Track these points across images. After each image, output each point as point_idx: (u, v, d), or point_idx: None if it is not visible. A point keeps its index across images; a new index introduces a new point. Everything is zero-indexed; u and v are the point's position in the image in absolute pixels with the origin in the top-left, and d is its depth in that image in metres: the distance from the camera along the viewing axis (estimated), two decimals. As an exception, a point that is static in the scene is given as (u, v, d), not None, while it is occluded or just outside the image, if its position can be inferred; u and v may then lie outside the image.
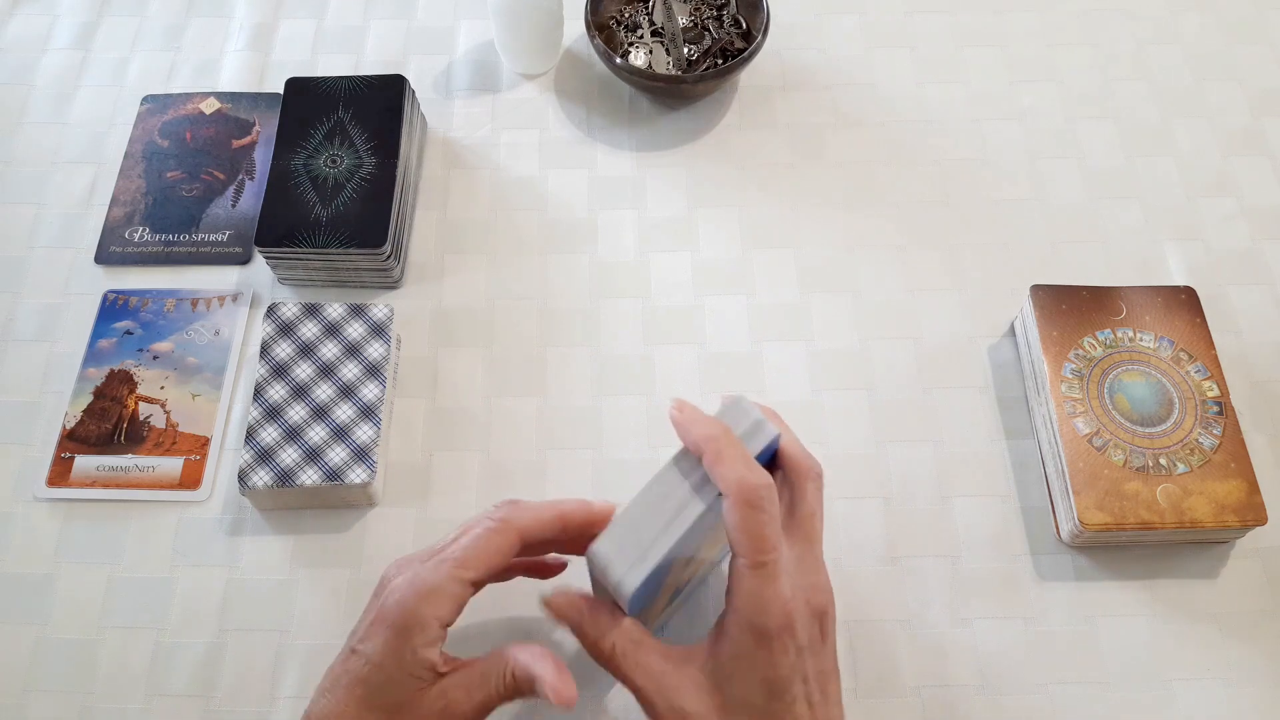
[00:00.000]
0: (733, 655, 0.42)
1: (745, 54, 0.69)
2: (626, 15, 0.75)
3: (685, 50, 0.73)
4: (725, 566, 0.46)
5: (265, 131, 0.72)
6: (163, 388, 0.62)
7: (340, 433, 0.57)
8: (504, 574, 0.50)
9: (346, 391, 0.59)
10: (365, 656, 0.43)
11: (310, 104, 0.68)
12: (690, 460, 0.44)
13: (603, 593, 0.45)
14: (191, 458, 0.60)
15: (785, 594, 0.41)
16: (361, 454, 0.57)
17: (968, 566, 0.57)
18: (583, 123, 0.73)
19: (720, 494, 0.42)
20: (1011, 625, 0.56)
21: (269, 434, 0.57)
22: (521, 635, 0.54)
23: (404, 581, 0.44)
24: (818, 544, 0.45)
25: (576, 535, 0.47)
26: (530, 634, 0.54)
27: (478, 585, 0.45)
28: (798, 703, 0.42)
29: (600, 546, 0.43)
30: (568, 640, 0.53)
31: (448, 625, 0.44)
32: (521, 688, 0.44)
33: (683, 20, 0.75)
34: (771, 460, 0.46)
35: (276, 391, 0.59)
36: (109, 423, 0.61)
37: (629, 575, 0.42)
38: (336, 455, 0.57)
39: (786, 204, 0.70)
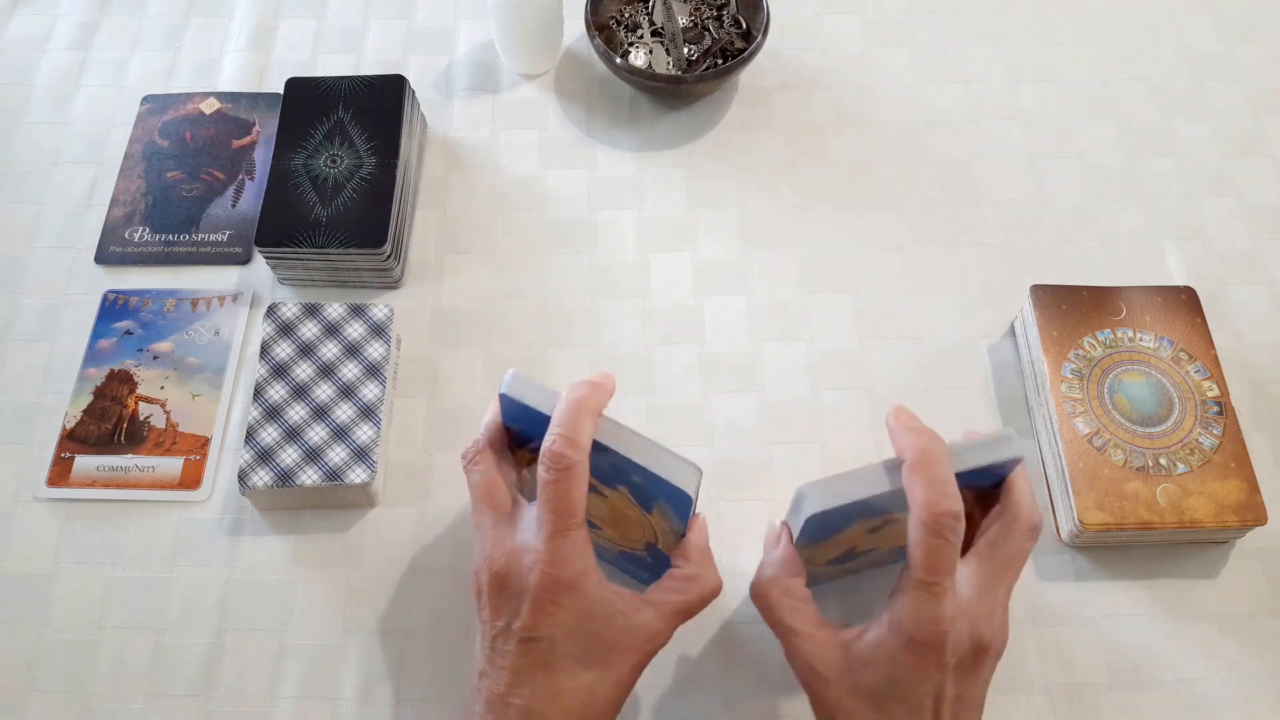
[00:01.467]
0: (876, 645, 0.44)
1: (745, 54, 0.69)
2: (626, 15, 0.75)
3: (685, 50, 0.73)
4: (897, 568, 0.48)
5: (265, 131, 0.72)
6: (163, 388, 0.62)
7: (340, 433, 0.57)
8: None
9: (346, 391, 0.59)
10: (554, 635, 0.44)
11: (310, 104, 0.68)
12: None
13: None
14: (191, 458, 0.60)
15: (946, 615, 0.42)
16: (361, 454, 0.57)
17: (968, 566, 0.57)
18: (583, 123, 0.73)
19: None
20: (1012, 625, 0.55)
21: (269, 434, 0.57)
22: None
23: (530, 560, 0.44)
24: (1005, 586, 0.45)
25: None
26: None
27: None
28: (923, 712, 0.43)
29: (807, 485, 0.46)
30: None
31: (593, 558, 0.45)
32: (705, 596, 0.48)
33: (683, 20, 0.75)
34: (995, 487, 0.47)
35: (276, 391, 0.59)
36: (109, 423, 0.61)
37: (812, 502, 0.45)
38: (336, 455, 0.57)
39: (786, 204, 0.70)
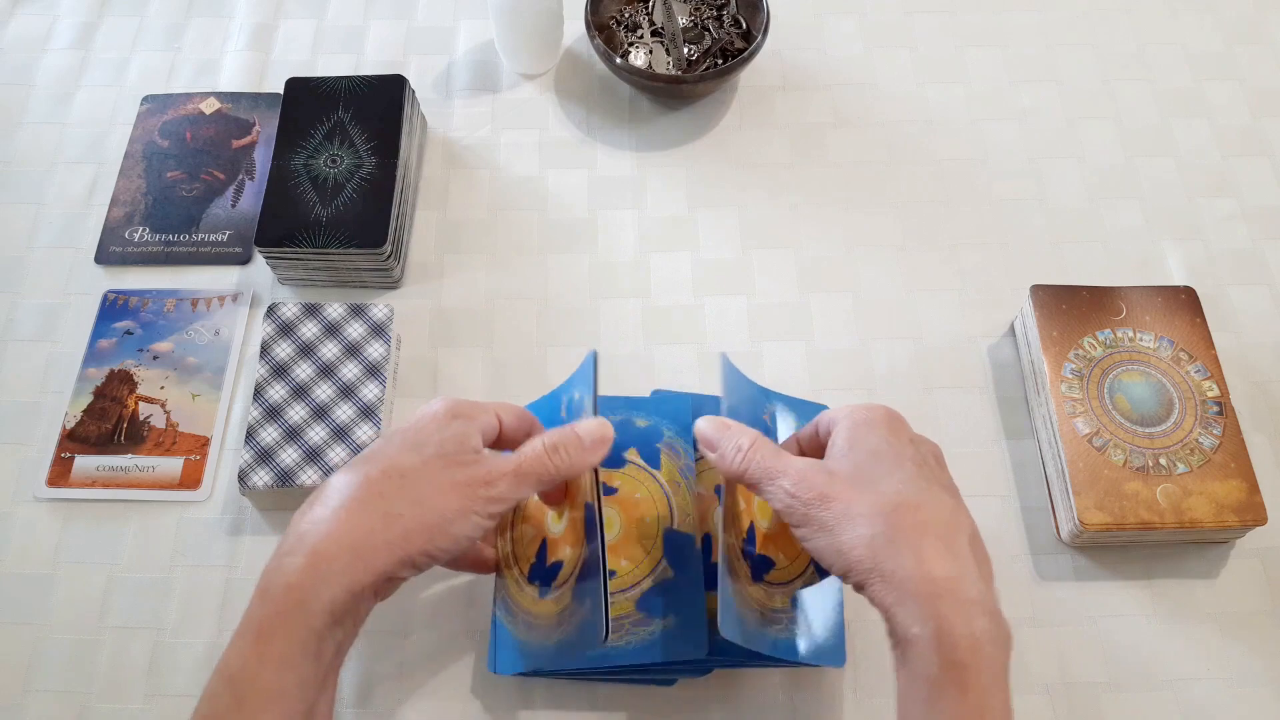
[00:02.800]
0: (848, 441, 0.46)
1: (745, 54, 0.69)
2: (626, 15, 0.75)
3: (685, 50, 0.73)
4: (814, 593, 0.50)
5: (265, 131, 0.72)
6: (163, 388, 0.62)
7: (340, 433, 0.57)
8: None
9: (346, 391, 0.59)
10: (436, 442, 0.45)
11: (310, 104, 0.68)
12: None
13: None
14: (191, 458, 0.60)
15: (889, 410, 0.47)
16: (361, 454, 0.57)
17: (968, 566, 0.57)
18: (583, 123, 0.73)
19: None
20: (1011, 625, 0.55)
21: (269, 434, 0.57)
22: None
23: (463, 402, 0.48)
24: (936, 466, 0.49)
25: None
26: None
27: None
28: (905, 461, 0.45)
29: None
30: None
31: (486, 438, 0.47)
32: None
33: (683, 20, 0.75)
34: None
35: (276, 391, 0.59)
36: (109, 423, 0.61)
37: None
38: (336, 455, 0.57)
39: (786, 204, 0.70)
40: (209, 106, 0.73)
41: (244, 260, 0.67)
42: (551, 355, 0.64)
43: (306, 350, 0.60)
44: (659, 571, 0.51)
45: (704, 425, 0.48)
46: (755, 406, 0.53)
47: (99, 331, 0.64)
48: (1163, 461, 0.56)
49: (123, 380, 0.62)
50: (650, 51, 0.74)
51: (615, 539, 0.50)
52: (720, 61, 0.73)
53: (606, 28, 0.74)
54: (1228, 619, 0.56)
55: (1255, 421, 0.61)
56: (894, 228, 0.69)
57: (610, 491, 0.50)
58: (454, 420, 0.46)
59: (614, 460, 0.47)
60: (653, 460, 0.49)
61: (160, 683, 0.54)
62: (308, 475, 0.56)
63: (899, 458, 0.45)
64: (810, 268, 0.67)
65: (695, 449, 0.48)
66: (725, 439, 0.47)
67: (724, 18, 0.75)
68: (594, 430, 0.47)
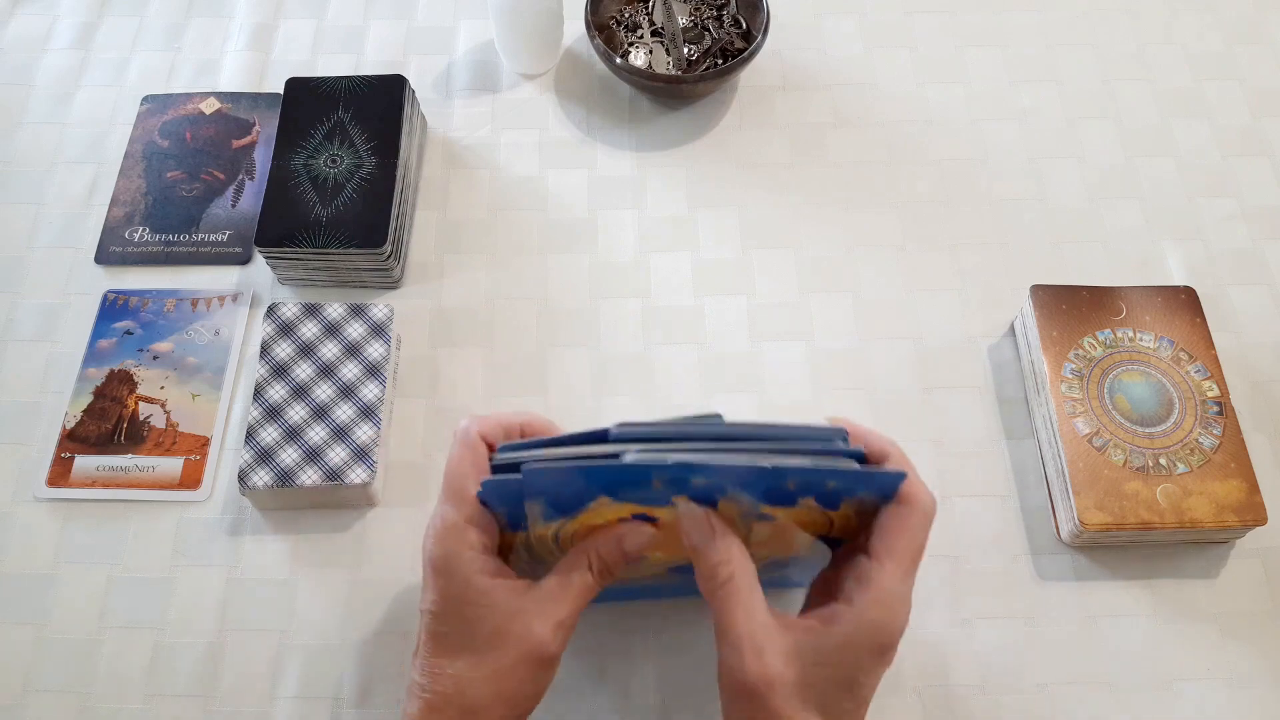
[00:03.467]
0: (842, 646, 0.41)
1: (745, 54, 0.69)
2: (626, 15, 0.75)
3: (685, 50, 0.73)
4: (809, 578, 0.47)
5: (265, 131, 0.72)
6: (163, 388, 0.62)
7: (340, 433, 0.57)
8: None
9: (346, 391, 0.59)
10: (429, 612, 0.44)
11: (310, 104, 0.68)
12: (821, 436, 0.43)
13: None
14: (191, 458, 0.60)
15: (908, 608, 0.42)
16: (361, 454, 0.57)
17: (968, 566, 0.57)
18: (583, 123, 0.73)
19: (787, 473, 0.41)
20: (1011, 625, 0.56)
21: (269, 434, 0.57)
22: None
23: (427, 538, 0.45)
24: (912, 580, 0.44)
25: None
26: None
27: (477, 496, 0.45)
28: (862, 708, 0.43)
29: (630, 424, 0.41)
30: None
31: (488, 549, 0.44)
32: (612, 569, 0.45)
33: (683, 20, 0.75)
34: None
35: (276, 391, 0.59)
36: (109, 423, 0.61)
37: (622, 428, 0.41)
38: (336, 455, 0.57)
39: (786, 204, 0.70)
40: (209, 106, 0.73)
41: (244, 260, 0.67)
42: (551, 355, 0.64)
43: (306, 350, 0.60)
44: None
45: (690, 521, 0.43)
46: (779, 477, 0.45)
47: (99, 331, 0.64)
48: (1163, 461, 0.56)
49: (123, 380, 0.62)
50: (650, 51, 0.74)
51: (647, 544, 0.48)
52: (720, 61, 0.73)
53: (606, 28, 0.74)
54: (1228, 619, 0.56)
55: (1255, 421, 0.61)
56: (894, 228, 0.69)
57: (651, 520, 0.47)
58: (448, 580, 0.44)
59: (789, 497, 0.44)
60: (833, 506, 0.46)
61: (160, 683, 0.54)
62: (308, 475, 0.56)
63: (863, 702, 0.42)
64: (810, 268, 0.67)
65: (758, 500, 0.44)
66: (709, 551, 0.42)
67: (724, 18, 0.75)
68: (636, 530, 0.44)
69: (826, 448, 0.42)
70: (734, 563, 0.42)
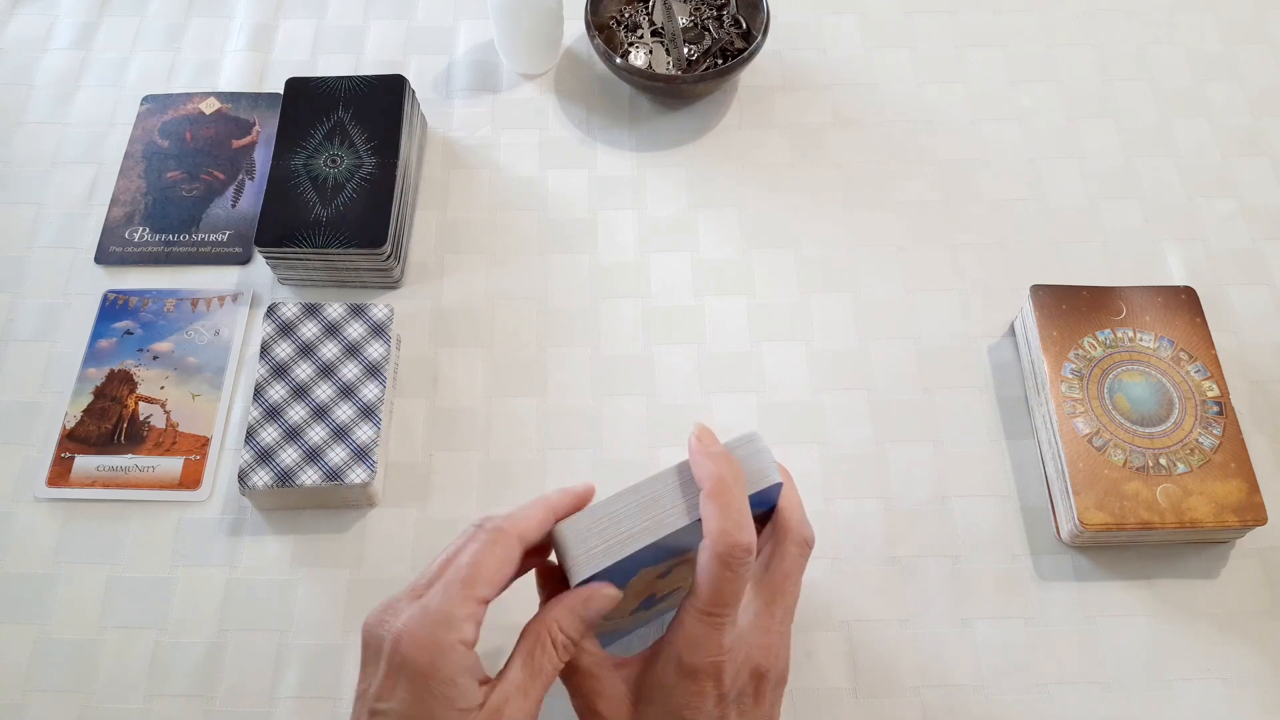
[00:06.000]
0: (656, 682, 0.42)
1: (745, 54, 0.69)
2: (626, 15, 0.75)
3: (685, 50, 0.73)
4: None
5: (265, 131, 0.72)
6: (163, 388, 0.62)
7: (340, 433, 0.57)
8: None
9: (346, 391, 0.59)
10: (395, 714, 0.39)
11: (310, 104, 0.68)
12: (684, 475, 0.43)
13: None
14: (191, 458, 0.60)
15: (724, 644, 0.41)
16: (361, 454, 0.57)
17: (968, 566, 0.57)
18: (583, 123, 0.73)
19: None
20: (1011, 625, 0.56)
21: (269, 434, 0.57)
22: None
23: (411, 621, 0.39)
24: (780, 607, 0.44)
25: None
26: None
27: (487, 602, 0.41)
28: None
29: (564, 527, 0.42)
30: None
31: (473, 646, 0.40)
32: (577, 640, 0.43)
33: (683, 20, 0.75)
34: (768, 512, 0.46)
35: (276, 391, 0.59)
36: (109, 423, 0.61)
37: (581, 563, 0.41)
38: (336, 455, 0.57)
39: (786, 204, 0.70)
40: (209, 106, 0.73)
41: (244, 260, 0.67)
42: (551, 355, 0.64)
43: (306, 350, 0.60)
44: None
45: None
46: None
47: (99, 331, 0.64)
48: (1163, 461, 0.56)
49: (123, 380, 0.62)
50: (650, 51, 0.74)
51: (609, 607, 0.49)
52: (720, 61, 0.73)
53: (606, 28, 0.74)
54: (1228, 619, 0.56)
55: (1255, 421, 0.61)
56: (894, 228, 0.69)
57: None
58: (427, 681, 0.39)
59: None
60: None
61: (160, 683, 0.54)
62: (308, 475, 0.56)
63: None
64: (810, 268, 0.67)
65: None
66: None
67: (724, 18, 0.75)
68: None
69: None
70: (560, 619, 0.42)
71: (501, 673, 0.41)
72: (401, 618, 0.40)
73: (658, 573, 0.46)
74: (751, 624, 0.43)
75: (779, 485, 0.44)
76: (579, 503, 0.44)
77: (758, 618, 0.43)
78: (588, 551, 0.41)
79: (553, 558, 0.45)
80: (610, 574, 0.42)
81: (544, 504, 0.44)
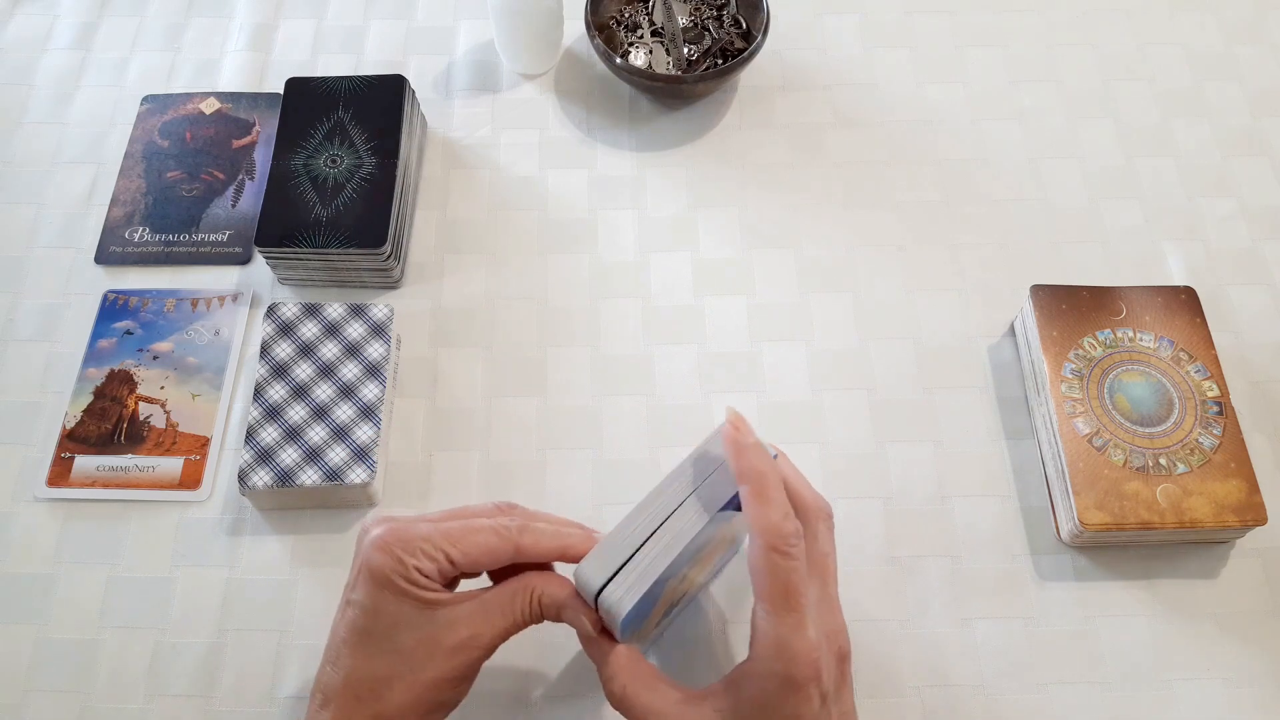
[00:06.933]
0: (757, 704, 0.41)
1: (745, 54, 0.69)
2: (626, 15, 0.75)
3: (685, 50, 0.73)
4: (717, 591, 0.46)
5: (265, 131, 0.72)
6: (163, 388, 0.62)
7: (340, 433, 0.57)
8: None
9: (346, 391, 0.59)
10: (359, 605, 0.43)
11: (310, 104, 0.68)
12: (693, 472, 0.43)
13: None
14: (191, 458, 0.60)
15: (814, 640, 0.41)
16: (361, 454, 0.57)
17: (968, 566, 0.57)
18: (583, 123, 0.73)
19: (722, 510, 0.42)
20: (1011, 625, 0.56)
21: (269, 434, 0.57)
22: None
23: (384, 530, 0.44)
24: (833, 585, 0.44)
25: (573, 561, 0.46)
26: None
27: (456, 567, 0.44)
28: None
29: (588, 568, 0.42)
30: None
31: (428, 576, 0.43)
32: (547, 613, 0.44)
33: (683, 20, 0.75)
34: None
35: (276, 391, 0.59)
36: (109, 423, 0.61)
37: (624, 599, 0.41)
38: (336, 455, 0.57)
39: (786, 204, 0.70)
40: (209, 106, 0.73)
41: (244, 260, 0.67)
42: (551, 355, 0.64)
43: (306, 350, 0.60)
44: None
45: (584, 640, 0.44)
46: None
47: (99, 331, 0.64)
48: (1163, 461, 0.56)
49: (123, 380, 0.62)
50: (650, 51, 0.74)
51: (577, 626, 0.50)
52: (720, 61, 0.73)
53: (606, 28, 0.74)
54: (1228, 619, 0.56)
55: (1255, 421, 0.61)
56: (894, 228, 0.69)
57: None
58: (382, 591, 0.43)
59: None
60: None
61: (160, 683, 0.54)
62: (308, 475, 0.56)
63: None
64: (810, 268, 0.67)
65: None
66: (602, 666, 0.44)
67: (724, 18, 0.75)
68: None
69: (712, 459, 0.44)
70: (622, 673, 0.43)
71: (470, 596, 0.44)
72: (382, 526, 0.44)
73: (679, 578, 0.46)
74: (820, 610, 0.43)
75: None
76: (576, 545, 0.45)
77: (821, 602, 0.43)
78: (623, 591, 0.41)
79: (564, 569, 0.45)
80: (643, 603, 0.42)
81: (562, 539, 0.45)
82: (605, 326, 0.65)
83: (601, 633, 0.44)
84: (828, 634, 0.42)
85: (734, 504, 0.44)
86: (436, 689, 0.43)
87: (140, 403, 0.62)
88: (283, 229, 0.63)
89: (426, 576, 0.43)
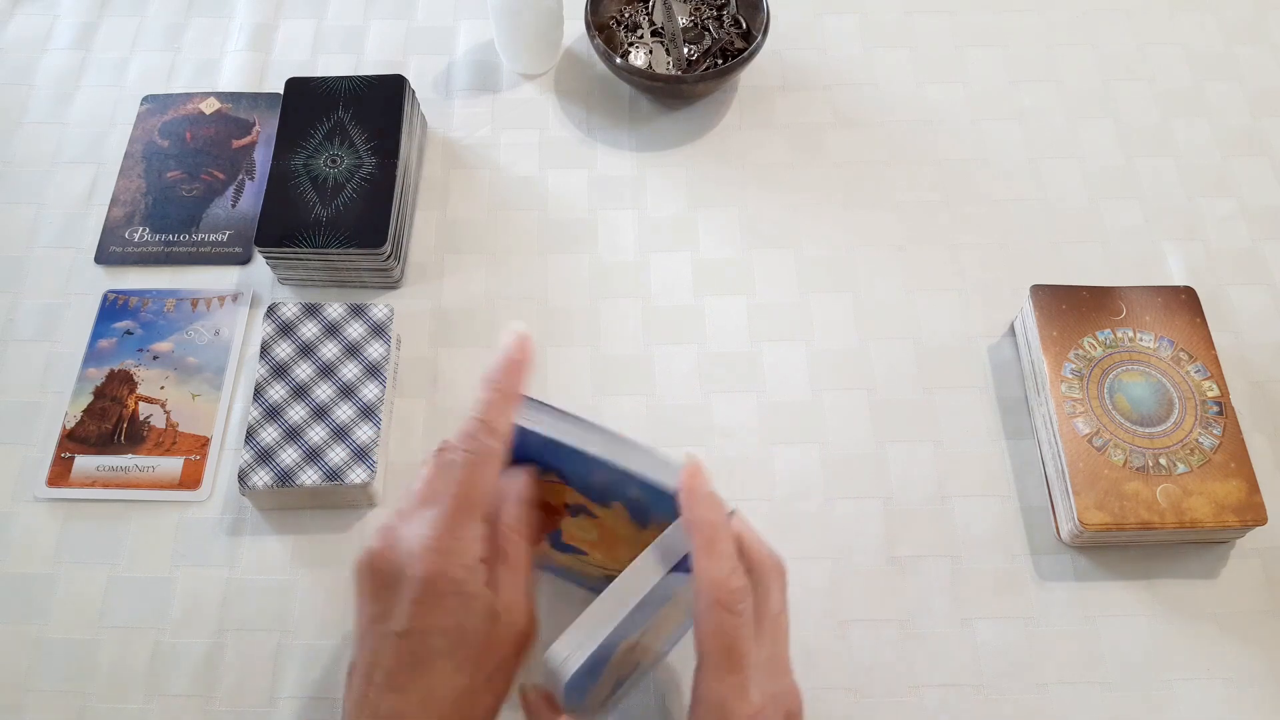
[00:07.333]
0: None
1: (745, 54, 0.69)
2: (626, 15, 0.75)
3: (685, 50, 0.73)
4: (675, 660, 0.46)
5: (265, 131, 0.72)
6: (163, 388, 0.62)
7: (340, 433, 0.57)
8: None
9: (346, 391, 0.59)
10: (428, 630, 0.40)
11: (310, 104, 0.68)
12: (663, 534, 0.42)
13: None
14: (191, 458, 0.60)
15: (754, 705, 0.40)
16: (361, 454, 0.57)
17: (968, 566, 0.57)
18: (583, 123, 0.73)
19: (679, 568, 0.41)
20: (1011, 625, 0.56)
21: (269, 434, 0.57)
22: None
23: (420, 549, 0.41)
24: (784, 644, 0.43)
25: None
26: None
27: (489, 518, 0.43)
28: None
29: (550, 650, 0.41)
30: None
31: (480, 560, 0.42)
32: (529, 529, 0.44)
33: (683, 20, 0.75)
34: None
35: (276, 391, 0.59)
36: (109, 423, 0.61)
37: (570, 659, 0.40)
38: (336, 455, 0.57)
39: (786, 204, 0.70)
40: (209, 106, 0.73)
41: (244, 260, 0.67)
42: (551, 355, 0.64)
43: (306, 350, 0.60)
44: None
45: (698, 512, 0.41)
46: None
47: (99, 331, 0.64)
48: (1163, 461, 0.56)
49: (123, 380, 0.62)
50: (650, 51, 0.74)
51: (592, 540, 0.50)
52: (720, 61, 0.73)
53: (606, 28, 0.74)
54: (1228, 619, 0.56)
55: (1255, 421, 0.61)
56: (894, 228, 0.69)
57: (588, 513, 0.48)
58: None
59: (604, 495, 0.46)
60: (642, 522, 0.46)
61: (160, 683, 0.54)
62: (308, 475, 0.56)
63: None
64: (810, 268, 0.67)
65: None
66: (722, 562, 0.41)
67: (724, 18, 0.75)
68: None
69: (655, 472, 0.43)
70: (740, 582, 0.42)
71: (489, 579, 0.42)
72: (415, 546, 0.41)
73: (629, 645, 0.44)
74: (767, 671, 0.41)
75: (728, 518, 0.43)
76: (519, 367, 0.43)
77: (770, 662, 0.42)
78: (564, 656, 0.40)
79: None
80: (590, 664, 0.41)
81: (497, 391, 0.43)
82: (605, 326, 0.65)
83: (545, 702, 0.43)
84: (773, 695, 0.41)
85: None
86: (507, 675, 0.42)
87: (140, 403, 0.62)
88: (283, 229, 0.63)
89: (479, 561, 0.42)
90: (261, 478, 0.56)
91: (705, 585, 0.40)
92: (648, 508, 0.44)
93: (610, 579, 0.48)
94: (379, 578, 0.41)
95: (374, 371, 0.59)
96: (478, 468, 0.41)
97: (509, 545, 0.43)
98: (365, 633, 0.42)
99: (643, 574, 0.41)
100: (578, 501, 0.47)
